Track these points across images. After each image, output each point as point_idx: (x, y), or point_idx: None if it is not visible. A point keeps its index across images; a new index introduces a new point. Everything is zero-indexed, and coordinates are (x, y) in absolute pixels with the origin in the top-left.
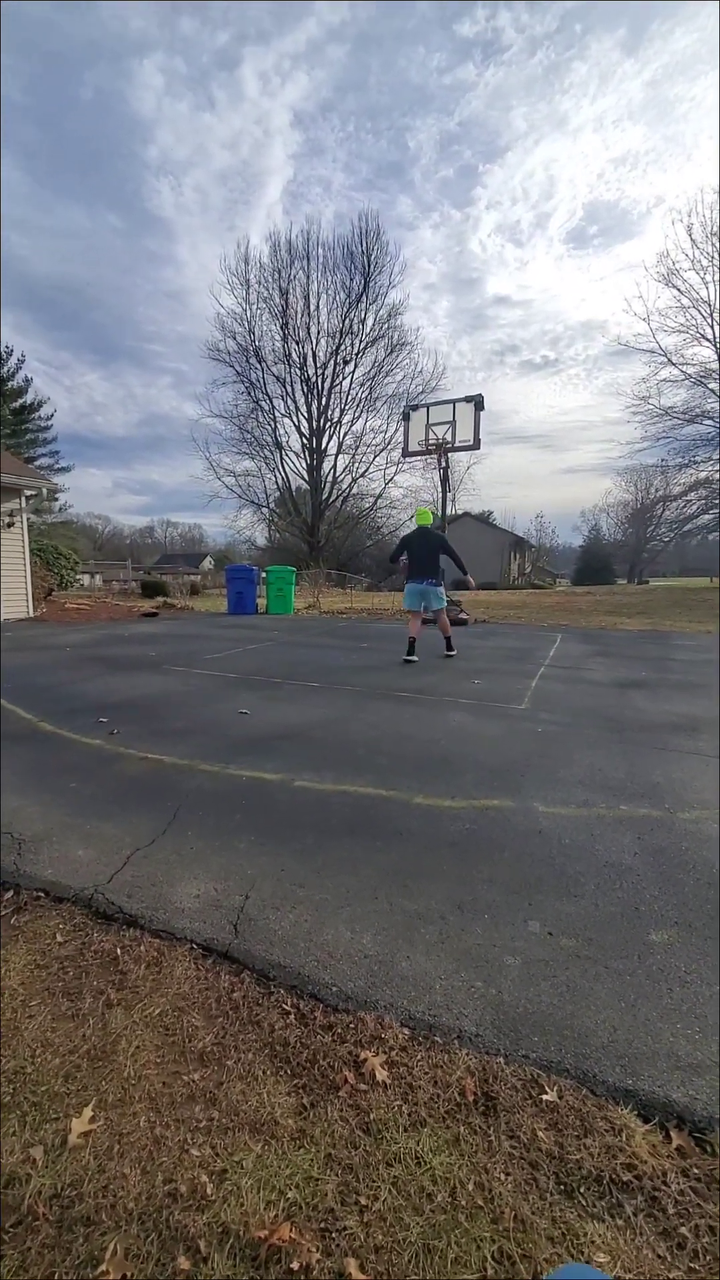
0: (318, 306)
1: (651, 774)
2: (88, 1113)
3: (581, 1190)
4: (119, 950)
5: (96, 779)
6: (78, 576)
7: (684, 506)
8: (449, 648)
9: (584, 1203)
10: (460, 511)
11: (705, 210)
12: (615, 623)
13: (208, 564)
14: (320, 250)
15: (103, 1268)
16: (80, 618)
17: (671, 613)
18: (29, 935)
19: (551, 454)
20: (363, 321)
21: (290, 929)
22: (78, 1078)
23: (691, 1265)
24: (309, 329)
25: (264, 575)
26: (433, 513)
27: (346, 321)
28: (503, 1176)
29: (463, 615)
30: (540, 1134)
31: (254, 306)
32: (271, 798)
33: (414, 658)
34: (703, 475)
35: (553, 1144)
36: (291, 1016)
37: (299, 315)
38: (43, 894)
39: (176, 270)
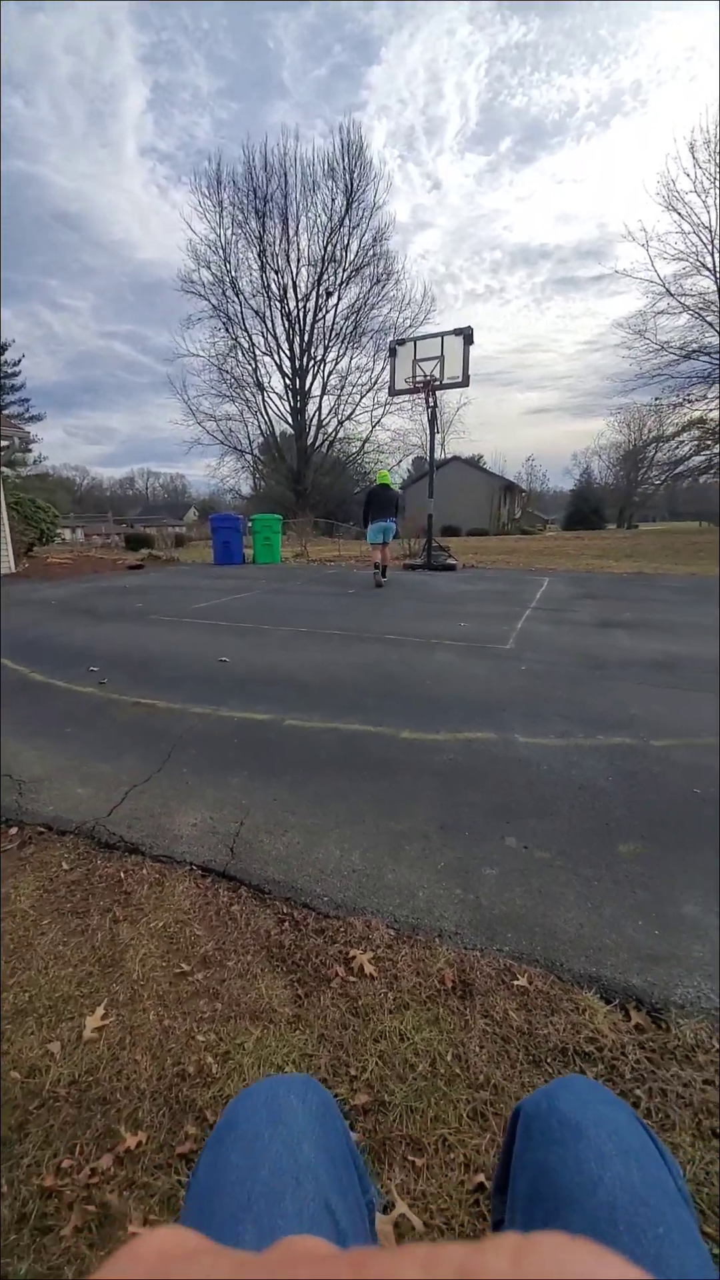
0: (297, 231)
1: (630, 707)
2: (100, 1011)
3: (548, 1060)
4: (122, 874)
5: (91, 725)
6: (59, 531)
7: (676, 447)
8: (384, 574)
9: (550, 1070)
10: (449, 455)
11: (709, 126)
12: (603, 565)
13: (192, 515)
14: (299, 167)
15: (119, 1136)
16: (64, 572)
17: (658, 556)
18: (36, 865)
19: (518, 392)
20: (346, 247)
21: (284, 850)
22: (90, 983)
23: (647, 1122)
24: (289, 256)
25: (250, 524)
26: (390, 473)
27: (329, 248)
28: (478, 1049)
29: (451, 560)
30: (512, 1013)
31: (229, 231)
32: (263, 736)
33: (385, 579)
34: (697, 414)
35: (523, 1022)
36: (286, 923)
37: (277, 241)
38: (46, 829)
39: (59, 192)
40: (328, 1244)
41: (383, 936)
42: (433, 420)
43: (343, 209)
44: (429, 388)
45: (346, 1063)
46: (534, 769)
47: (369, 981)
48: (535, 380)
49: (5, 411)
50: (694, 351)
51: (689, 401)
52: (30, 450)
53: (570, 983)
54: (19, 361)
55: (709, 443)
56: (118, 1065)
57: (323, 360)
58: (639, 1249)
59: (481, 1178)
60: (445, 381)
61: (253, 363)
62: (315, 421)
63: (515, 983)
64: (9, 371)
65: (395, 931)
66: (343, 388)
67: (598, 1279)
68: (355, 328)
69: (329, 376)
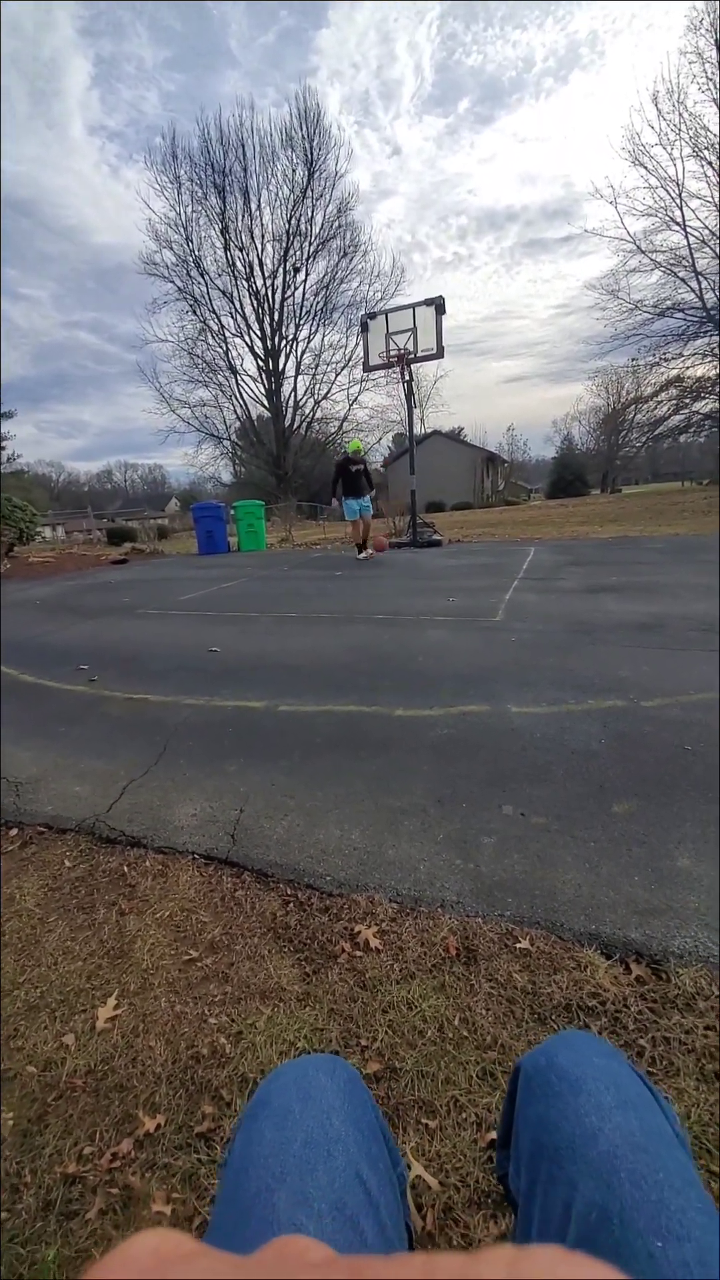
0: (259, 206)
1: (619, 670)
2: (111, 1001)
3: (553, 1017)
4: (125, 867)
5: (84, 722)
6: (39, 529)
7: (655, 408)
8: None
9: (555, 1027)
10: (429, 430)
11: (671, 74)
12: (587, 531)
13: (173, 506)
14: (256, 138)
15: (138, 1120)
16: (47, 571)
17: (642, 518)
18: (38, 864)
19: (494, 361)
20: (310, 220)
21: (284, 834)
22: (99, 975)
23: (650, 1069)
24: (253, 232)
25: (233, 512)
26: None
27: (293, 221)
28: (484, 1012)
29: (436, 536)
30: (515, 975)
31: (189, 209)
32: (258, 723)
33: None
34: (674, 373)
35: (527, 982)
36: (291, 905)
37: (239, 217)
38: (46, 828)
39: (6, 177)
40: (323, 1246)
41: (386, 911)
42: (410, 395)
43: (304, 180)
44: (403, 361)
45: (357, 1034)
46: (527, 737)
47: (375, 955)
48: (510, 348)
49: None
50: (668, 309)
51: (665, 360)
52: (3, 448)
53: (571, 941)
54: None
55: (687, 401)
56: (132, 1052)
57: (295, 339)
58: (640, 1194)
59: (494, 1135)
60: (419, 354)
61: (223, 345)
62: (292, 403)
63: (518, 946)
64: None
65: (398, 905)
66: (317, 366)
67: None
68: (326, 303)
69: (302, 355)
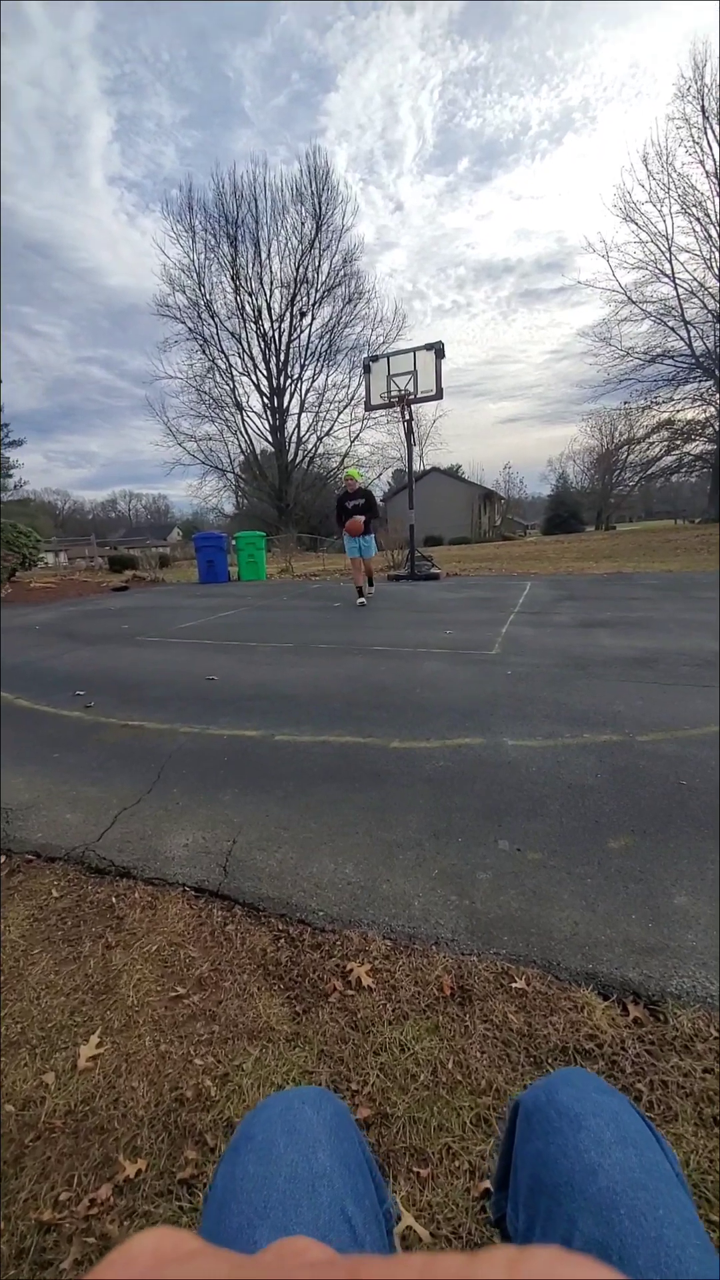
0: (269, 255)
1: (614, 704)
2: (94, 1039)
3: (549, 1060)
4: (114, 899)
5: (78, 749)
6: (42, 555)
7: (647, 449)
8: (370, 583)
9: (551, 1070)
10: (428, 467)
11: (660, 138)
12: (582, 567)
13: (175, 535)
14: (268, 193)
15: (118, 1165)
16: (48, 596)
17: (635, 555)
18: (25, 893)
19: (490, 402)
20: (318, 269)
21: (277, 866)
22: (83, 1011)
23: (648, 1114)
24: (262, 279)
25: (234, 542)
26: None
27: (301, 270)
28: (479, 1054)
29: (434, 570)
30: (511, 1016)
31: (202, 256)
32: (253, 753)
33: (371, 591)
34: (665, 416)
35: (522, 1024)
36: (282, 940)
37: (250, 265)
38: (34, 856)
39: (28, 221)
40: (324, 1247)
41: (379, 948)
42: (409, 433)
43: (312, 232)
44: (404, 402)
45: (348, 1077)
46: (523, 771)
47: (367, 994)
48: (506, 390)
49: None
50: (658, 356)
51: (656, 404)
52: (11, 475)
53: (567, 981)
54: None
55: (678, 443)
56: (114, 1093)
57: (299, 378)
58: (639, 1231)
59: (488, 1184)
60: (419, 395)
61: (230, 383)
62: (295, 439)
63: (513, 985)
64: None
65: (392, 942)
66: (320, 404)
67: None
68: (330, 346)
69: (306, 394)
